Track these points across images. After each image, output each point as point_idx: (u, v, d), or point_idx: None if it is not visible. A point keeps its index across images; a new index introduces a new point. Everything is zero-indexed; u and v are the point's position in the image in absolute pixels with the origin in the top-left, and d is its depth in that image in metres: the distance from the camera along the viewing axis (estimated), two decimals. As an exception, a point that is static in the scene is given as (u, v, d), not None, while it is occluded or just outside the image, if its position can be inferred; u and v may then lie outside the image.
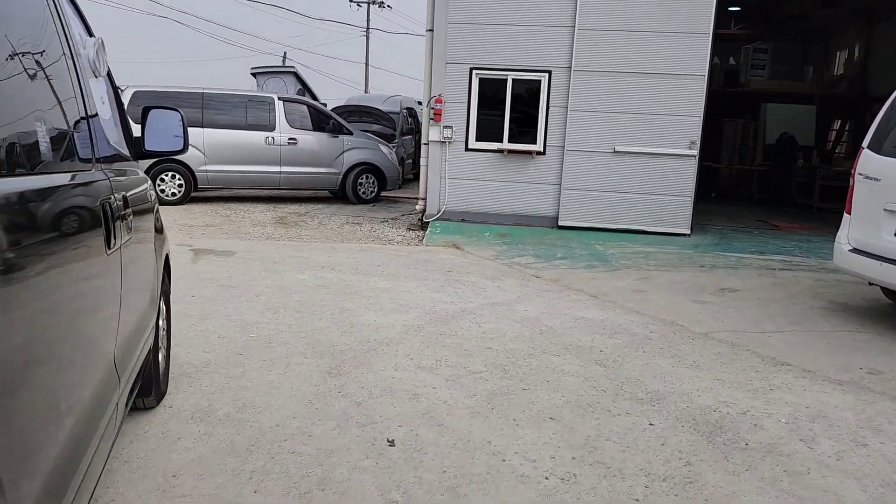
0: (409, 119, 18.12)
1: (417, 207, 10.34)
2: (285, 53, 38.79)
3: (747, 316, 5.90)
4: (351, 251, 8.45)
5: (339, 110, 15.90)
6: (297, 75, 19.21)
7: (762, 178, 16.88)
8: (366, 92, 35.09)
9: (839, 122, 20.10)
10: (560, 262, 8.16)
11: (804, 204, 14.41)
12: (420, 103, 22.42)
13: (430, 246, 9.08)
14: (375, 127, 16.04)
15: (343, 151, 12.61)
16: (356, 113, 16.35)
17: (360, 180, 12.77)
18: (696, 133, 9.15)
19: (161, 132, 3.11)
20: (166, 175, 11.64)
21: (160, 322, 3.43)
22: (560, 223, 9.57)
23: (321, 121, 12.60)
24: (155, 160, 11.48)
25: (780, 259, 8.27)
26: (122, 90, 11.25)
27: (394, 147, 14.19)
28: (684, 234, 9.33)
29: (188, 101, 11.73)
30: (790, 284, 7.08)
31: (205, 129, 11.73)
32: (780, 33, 19.23)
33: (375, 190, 12.98)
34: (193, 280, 6.44)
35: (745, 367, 4.59)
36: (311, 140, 12.38)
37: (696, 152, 9.18)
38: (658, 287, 6.97)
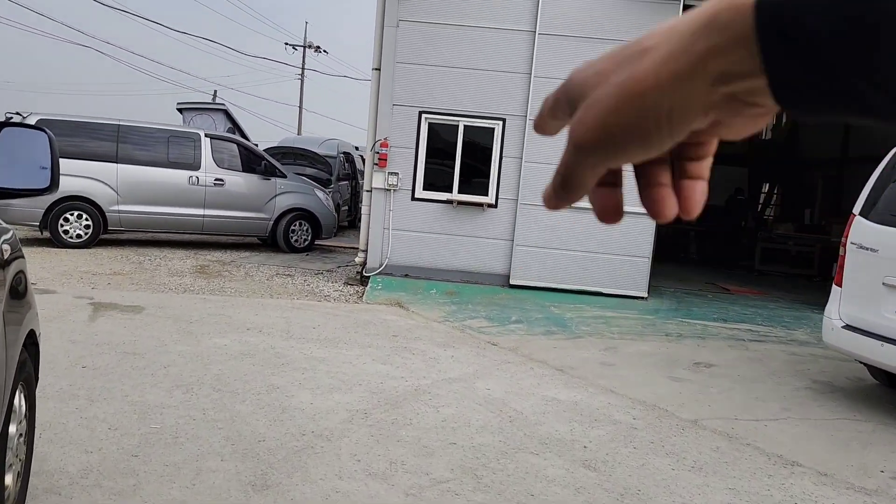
0: (346, 164, 17.34)
1: (357, 260, 9.47)
2: (216, 91, 37.53)
3: (733, 399, 5.26)
4: (282, 308, 7.47)
5: (273, 152, 14.96)
6: (227, 113, 18.21)
7: (704, 239, 16.80)
8: (299, 134, 34.18)
9: (768, 185, 20.50)
10: (516, 326, 7.41)
11: (745, 266, 14.27)
12: (357, 148, 21.76)
13: (371, 304, 8.20)
14: (310, 171, 15.18)
15: (275, 195, 11.64)
16: (290, 155, 15.45)
17: (292, 227, 11.80)
18: (656, 191, 8.68)
19: (19, 163, 2.19)
20: (71, 214, 10.38)
21: (12, 428, 2.44)
22: (512, 282, 8.87)
23: (252, 161, 11.63)
24: (59, 197, 10.25)
25: (745, 328, 7.77)
26: (23, 117, 10.07)
27: (330, 192, 13.32)
28: (641, 298, 8.78)
29: (102, 134, 10.59)
30: (765, 359, 6.53)
31: (119, 165, 10.59)
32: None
33: (309, 238, 12.03)
34: (88, 345, 5.35)
35: (754, 468, 3.89)
36: (240, 182, 11.38)
37: (654, 211, 8.70)
38: (627, 360, 6.29)
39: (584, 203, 2.39)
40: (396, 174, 8.88)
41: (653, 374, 5.83)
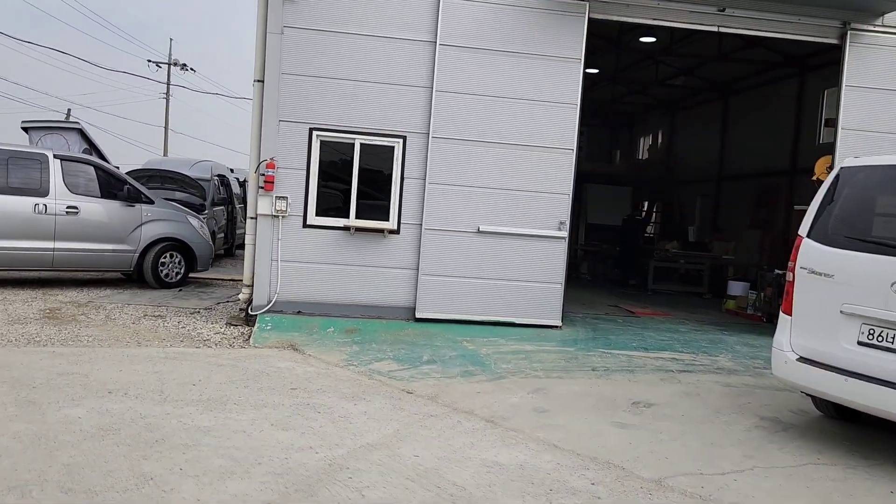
0: (222, 187, 15.93)
1: (241, 296, 8.32)
2: (69, 110, 34.30)
3: (688, 446, 4.70)
4: (152, 360, 6.26)
5: (138, 175, 13.37)
6: (82, 133, 16.25)
7: (595, 258, 16.76)
8: (165, 156, 31.83)
9: (646, 203, 20.99)
10: (429, 367, 6.60)
11: (635, 285, 14.23)
12: (233, 170, 20.26)
13: (260, 348, 7.12)
14: (181, 195, 13.70)
15: (141, 224, 10.22)
16: (158, 178, 13.91)
17: (162, 259, 10.40)
18: (566, 212, 8.21)
19: None
20: None
21: None
22: (418, 315, 8.06)
23: (112, 185, 10.16)
24: None
25: (669, 357, 7.37)
26: None
27: (204, 219, 11.99)
28: (556, 327, 8.23)
29: (-79, 155, 8.84)
30: (703, 394, 6.08)
31: (-56, 192, 8.87)
32: (595, 116, 19.84)
33: (182, 271, 10.66)
34: None
35: (748, 544, 3.28)
36: (98, 209, 9.89)
37: (565, 234, 8.21)
38: (561, 403, 5.63)
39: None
40: (285, 198, 7.87)
41: (594, 421, 5.20)
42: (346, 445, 4.33)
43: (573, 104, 8.15)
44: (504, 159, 8.11)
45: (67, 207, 9.62)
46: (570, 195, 8.22)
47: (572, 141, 8.18)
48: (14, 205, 9.28)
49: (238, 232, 17.37)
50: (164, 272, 10.45)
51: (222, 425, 4.58)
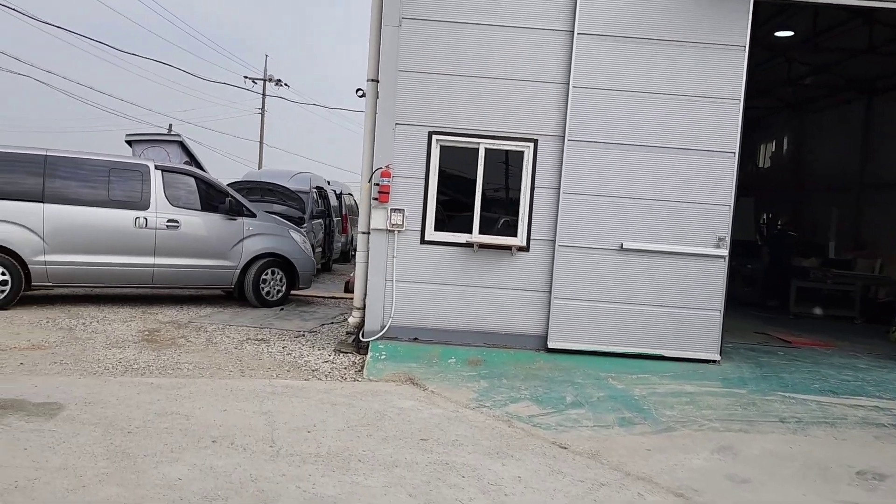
0: (320, 200, 15.37)
1: (351, 321, 7.48)
2: (171, 125, 35.26)
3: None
4: (259, 396, 5.46)
5: (237, 187, 12.94)
6: (182, 145, 16.13)
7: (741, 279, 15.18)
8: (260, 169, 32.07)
9: (768, 214, 19.15)
10: (576, 412, 5.52)
11: (772, 307, 12.65)
12: (329, 182, 19.81)
13: (375, 381, 6.23)
14: (279, 208, 13.19)
15: (242, 238, 9.62)
16: (257, 191, 13.45)
17: (263, 276, 9.77)
18: (726, 227, 6.98)
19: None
20: (-17, 268, 8.21)
21: None
22: (550, 345, 7.00)
23: (214, 198, 9.62)
24: (-31, 246, 8.10)
25: (868, 405, 6.01)
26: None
27: (305, 233, 11.35)
28: (712, 361, 6.99)
29: (23, 167, 8.50)
30: (942, 458, 4.75)
31: (46, 206, 8.48)
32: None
33: (283, 289, 10.00)
34: (-51, 502, 3.30)
35: None
36: (198, 223, 9.35)
37: (725, 252, 6.98)
38: (761, 470, 4.44)
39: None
40: (401, 211, 6.99)
41: (815, 500, 3.99)
42: (510, 533, 3.33)
43: (735, 99, 6.92)
44: (651, 165, 6.97)
45: (168, 221, 9.10)
46: (732, 206, 6.98)
47: (734, 143, 6.95)
48: (114, 218, 8.82)
49: (336, 246, 16.83)
50: (265, 290, 9.81)
51: (350, 494, 3.66)
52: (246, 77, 39.08)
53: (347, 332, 8.04)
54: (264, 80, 39.17)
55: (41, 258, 8.44)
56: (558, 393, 5.98)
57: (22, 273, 8.37)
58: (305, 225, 13.08)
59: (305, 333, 8.18)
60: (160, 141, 16.76)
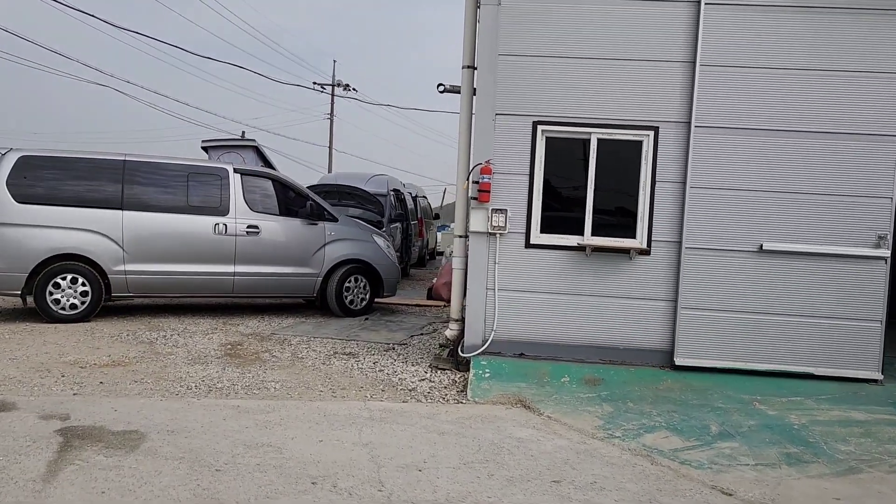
0: (397, 203, 14.80)
1: (448, 334, 6.77)
2: (244, 132, 35.54)
3: None
4: (356, 422, 4.81)
5: (314, 191, 12.46)
6: (258, 150, 15.85)
7: None
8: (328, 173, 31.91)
9: None
10: (728, 446, 4.65)
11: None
12: (404, 184, 19.27)
13: (482, 404, 5.50)
14: (357, 212, 12.67)
15: (324, 244, 9.07)
16: (334, 194, 12.97)
17: (346, 284, 9.19)
18: (887, 223, 5.96)
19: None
20: (63, 278, 7.89)
21: None
22: (677, 361, 6.12)
23: (294, 202, 9.11)
24: (49, 256, 7.80)
25: None
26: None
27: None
28: (873, 381, 5.96)
29: (102, 173, 8.16)
30: None
31: (125, 213, 8.12)
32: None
33: (367, 297, 9.40)
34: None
35: None
36: (279, 228, 8.85)
37: (887, 252, 5.95)
38: None
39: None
40: (504, 212, 6.25)
41: None
42: None
43: (896, 73, 5.90)
44: (796, 153, 6.01)
45: (248, 227, 8.63)
46: (894, 199, 5.94)
47: None
48: (194, 225, 8.40)
49: (413, 250, 16.25)
50: (349, 298, 9.23)
51: (487, 564, 2.93)
52: (315, 83, 39.19)
53: (441, 345, 7.37)
54: (332, 85, 39.22)
55: (121, 267, 8.08)
56: (698, 420, 5.10)
57: (102, 283, 8.02)
58: (384, 229, 12.52)
59: (395, 346, 7.53)
60: (235, 146, 16.51)
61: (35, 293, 7.82)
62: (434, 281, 11.58)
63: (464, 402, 5.58)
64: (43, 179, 7.91)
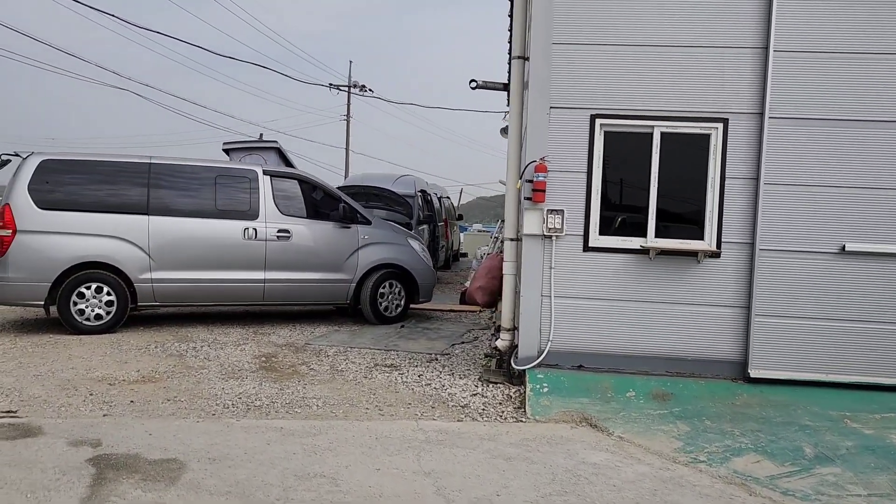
0: (424, 204, 14.37)
1: (499, 344, 6.31)
2: (261, 134, 35.26)
3: None
4: (412, 447, 4.37)
5: (342, 191, 12.05)
6: (279, 151, 15.49)
7: None
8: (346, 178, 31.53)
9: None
10: (829, 472, 4.16)
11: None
12: (429, 185, 18.83)
13: (543, 422, 5.04)
14: (384, 213, 12.23)
15: (358, 248, 8.65)
16: (362, 195, 12.53)
17: (381, 289, 8.76)
18: (982, 220, 5.44)
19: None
20: (87, 287, 7.52)
21: None
22: (751, 373, 5.62)
23: (325, 204, 8.70)
24: (72, 264, 7.43)
25: None
26: (12, 158, 7.38)
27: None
28: (969, 392, 5.45)
29: (127, 177, 7.78)
30: None
31: (151, 218, 7.74)
32: None
33: (402, 303, 8.97)
34: None
35: None
36: (310, 232, 8.44)
37: (982, 253, 5.44)
38: None
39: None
40: (560, 212, 5.79)
41: None
42: None
43: None
44: (879, 145, 5.50)
45: (279, 232, 8.23)
46: None
47: None
48: (222, 230, 8.01)
49: (441, 253, 15.81)
50: (384, 305, 8.80)
51: None
52: (330, 85, 38.89)
53: (486, 355, 6.92)
54: (349, 87, 38.84)
55: (147, 275, 7.70)
56: (788, 441, 4.62)
57: (127, 292, 7.65)
58: (412, 231, 12.09)
59: (438, 356, 7.09)
60: (257, 148, 16.12)
61: (59, 303, 7.46)
62: (467, 284, 11.13)
63: (523, 420, 5.13)
64: (65, 184, 7.54)
